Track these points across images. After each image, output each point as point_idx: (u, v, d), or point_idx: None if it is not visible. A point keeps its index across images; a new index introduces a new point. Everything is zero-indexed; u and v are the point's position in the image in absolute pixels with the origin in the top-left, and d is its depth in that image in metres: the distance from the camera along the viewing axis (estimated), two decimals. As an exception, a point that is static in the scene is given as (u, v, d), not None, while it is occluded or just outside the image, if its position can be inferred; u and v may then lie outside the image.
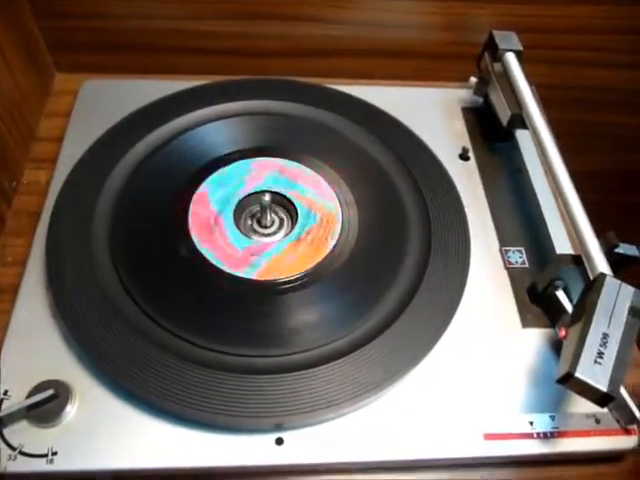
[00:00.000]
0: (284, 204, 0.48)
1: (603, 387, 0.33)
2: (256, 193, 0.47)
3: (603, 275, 0.37)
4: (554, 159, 0.45)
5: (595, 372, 0.33)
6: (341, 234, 0.45)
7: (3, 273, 0.45)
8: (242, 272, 0.43)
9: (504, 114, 0.50)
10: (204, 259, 0.43)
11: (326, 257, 0.44)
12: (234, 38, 0.58)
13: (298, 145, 0.50)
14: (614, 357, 0.34)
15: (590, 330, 0.35)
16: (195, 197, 0.46)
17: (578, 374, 0.33)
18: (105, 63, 0.58)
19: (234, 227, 0.45)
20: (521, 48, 0.51)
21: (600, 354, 0.34)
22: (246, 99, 0.52)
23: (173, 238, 0.44)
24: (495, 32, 0.52)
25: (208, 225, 0.45)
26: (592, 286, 0.37)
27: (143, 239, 0.44)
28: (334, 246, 0.45)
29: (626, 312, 0.36)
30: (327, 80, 0.56)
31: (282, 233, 0.47)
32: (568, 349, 0.35)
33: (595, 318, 0.35)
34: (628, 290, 0.37)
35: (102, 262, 0.42)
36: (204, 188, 0.47)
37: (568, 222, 0.42)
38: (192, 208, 0.46)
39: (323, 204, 0.47)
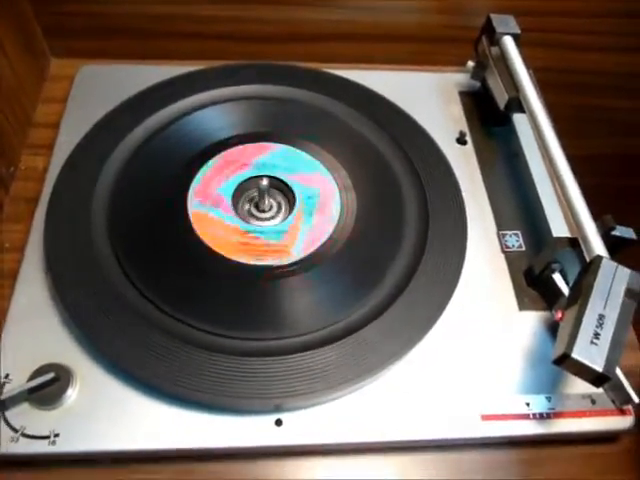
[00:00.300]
0: (282, 189, 0.48)
1: (599, 367, 0.33)
2: (255, 177, 0.47)
3: (600, 257, 0.38)
4: (551, 142, 0.45)
5: (591, 352, 0.33)
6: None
7: (1, 259, 0.45)
8: (194, 200, 0.44)
9: (501, 98, 0.50)
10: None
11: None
12: (231, 22, 0.58)
13: (296, 130, 0.50)
14: (610, 338, 0.34)
15: (586, 311, 0.35)
16: (255, 145, 0.48)
17: (574, 354, 0.33)
18: (101, 48, 0.58)
19: (237, 182, 0.46)
20: (519, 31, 0.51)
21: (596, 335, 0.34)
22: (244, 84, 0.52)
23: (171, 221, 0.44)
24: (493, 15, 0.52)
25: (230, 164, 0.47)
26: (588, 268, 0.37)
27: (142, 223, 0.44)
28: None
29: (622, 294, 0.36)
30: (325, 65, 0.56)
31: (279, 218, 0.47)
32: (564, 330, 0.35)
33: (591, 300, 0.35)
34: (624, 272, 0.37)
35: (101, 246, 0.42)
36: (272, 145, 0.49)
37: (565, 205, 0.42)
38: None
39: (295, 241, 0.45)
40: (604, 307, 0.35)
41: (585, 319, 0.35)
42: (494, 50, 0.52)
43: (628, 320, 0.35)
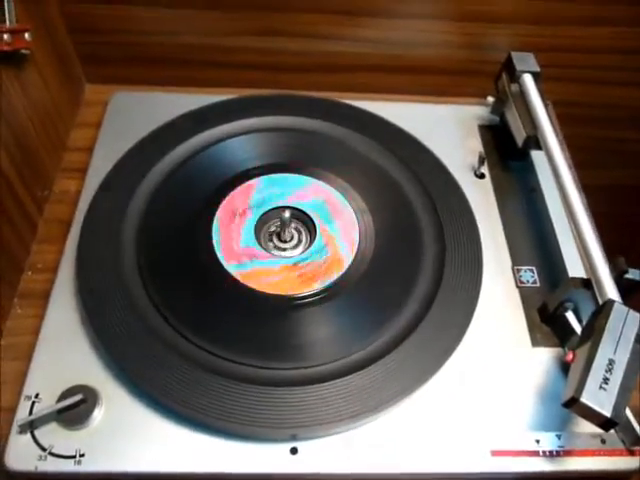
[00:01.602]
0: (308, 225, 0.50)
1: (607, 412, 0.34)
2: (282, 207, 0.49)
3: (612, 301, 0.38)
4: (567, 182, 0.46)
5: (600, 397, 0.34)
6: (359, 246, 0.47)
7: (34, 279, 0.47)
8: (229, 264, 0.45)
9: (519, 135, 0.51)
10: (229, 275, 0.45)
11: (342, 274, 0.45)
12: (257, 53, 0.60)
13: (313, 161, 0.52)
14: (619, 383, 0.35)
15: (597, 355, 0.36)
16: (239, 189, 0.49)
17: (583, 399, 0.34)
18: (133, 75, 0.60)
19: (253, 227, 0.47)
20: (538, 69, 0.52)
21: (606, 380, 0.35)
22: (272, 115, 0.54)
23: (198, 250, 0.46)
24: (513, 53, 0.53)
25: (234, 212, 0.48)
26: (600, 311, 0.38)
27: (170, 250, 0.46)
28: (327, 285, 0.45)
29: (633, 339, 0.36)
30: (345, 95, 0.58)
31: (299, 250, 0.48)
32: (575, 373, 0.36)
33: (602, 344, 0.36)
34: (635, 317, 0.38)
35: (130, 272, 0.44)
36: (255, 182, 0.50)
37: (580, 246, 0.43)
38: (227, 201, 0.49)
39: (339, 247, 0.47)
40: (614, 352, 0.36)
41: (595, 363, 0.35)
42: (514, 87, 0.54)
43: (637, 366, 0.36)
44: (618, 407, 0.34)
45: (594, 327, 0.37)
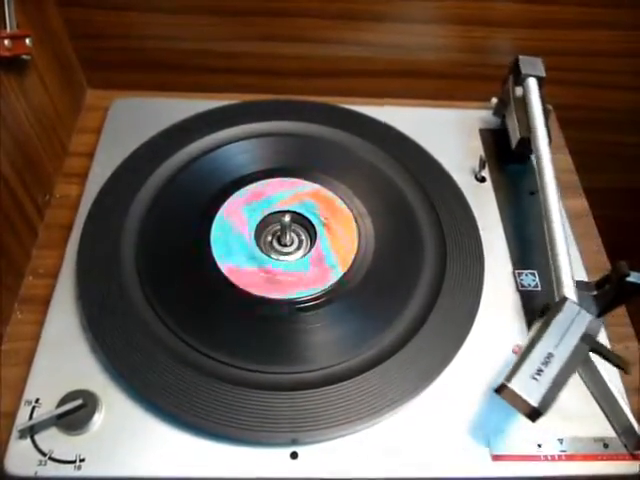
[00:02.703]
0: (307, 228, 0.50)
1: (534, 402, 0.34)
2: (280, 212, 0.49)
3: (565, 299, 0.39)
4: (549, 185, 0.46)
5: (529, 387, 0.34)
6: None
7: (35, 284, 0.47)
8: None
9: (514, 137, 0.52)
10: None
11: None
12: (258, 58, 0.60)
13: (314, 166, 0.52)
14: (553, 377, 0.35)
15: (536, 347, 0.36)
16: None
17: (512, 386, 0.34)
18: (134, 81, 0.61)
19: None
20: (543, 74, 0.52)
21: (539, 371, 0.35)
22: (271, 120, 0.54)
23: (197, 255, 0.46)
24: (521, 57, 0.53)
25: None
26: (553, 308, 0.39)
27: (169, 256, 0.46)
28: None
29: (578, 337, 0.37)
30: (346, 100, 0.58)
31: (300, 253, 0.48)
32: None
33: (545, 337, 0.36)
34: (585, 317, 0.38)
35: (130, 277, 0.44)
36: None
37: (549, 246, 0.44)
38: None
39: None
40: (556, 346, 0.36)
41: (533, 354, 0.35)
42: (518, 90, 0.53)
43: (577, 364, 0.36)
44: (547, 399, 0.34)
45: (542, 322, 0.38)
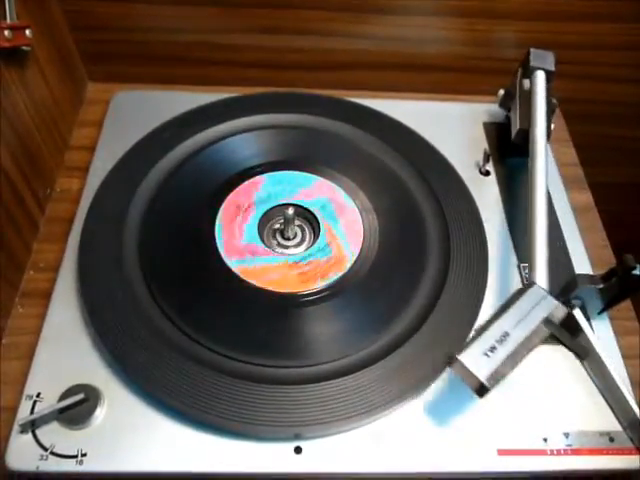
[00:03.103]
0: (312, 223, 0.49)
1: (482, 377, 0.34)
2: (286, 205, 0.48)
3: (533, 283, 0.39)
4: (539, 174, 0.45)
5: (480, 362, 0.34)
6: (362, 245, 0.47)
7: (36, 278, 0.47)
8: (230, 260, 0.44)
9: (514, 127, 0.51)
10: (230, 271, 0.44)
11: (346, 272, 0.45)
12: (260, 51, 0.60)
13: (316, 158, 0.52)
14: (505, 355, 0.35)
15: (494, 325, 0.36)
16: (244, 185, 0.49)
17: (462, 359, 0.34)
18: (136, 74, 0.60)
19: (256, 223, 0.47)
20: (553, 69, 0.51)
21: (493, 348, 0.35)
22: (274, 112, 0.54)
23: (200, 248, 0.45)
24: (533, 50, 0.52)
25: (238, 207, 0.47)
26: (519, 290, 0.39)
27: (172, 249, 0.45)
28: (332, 283, 0.45)
29: (539, 321, 0.37)
30: (351, 93, 0.58)
31: (302, 248, 0.48)
32: None
33: (505, 316, 0.36)
34: (550, 303, 0.38)
35: (132, 271, 0.43)
36: (260, 179, 0.50)
37: (529, 234, 0.43)
38: (231, 197, 0.48)
39: (343, 246, 0.47)
40: (514, 327, 0.36)
41: (489, 331, 0.36)
42: (526, 83, 0.53)
43: (533, 346, 0.36)
44: (495, 376, 0.34)
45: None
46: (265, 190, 0.49)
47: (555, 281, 0.46)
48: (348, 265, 0.45)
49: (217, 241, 0.46)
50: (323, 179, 0.50)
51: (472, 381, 0.35)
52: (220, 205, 0.48)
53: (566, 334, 0.37)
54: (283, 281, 0.44)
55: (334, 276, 0.45)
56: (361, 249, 0.46)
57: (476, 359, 0.35)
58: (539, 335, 0.36)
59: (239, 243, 0.46)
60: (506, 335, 0.36)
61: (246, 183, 0.49)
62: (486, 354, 0.35)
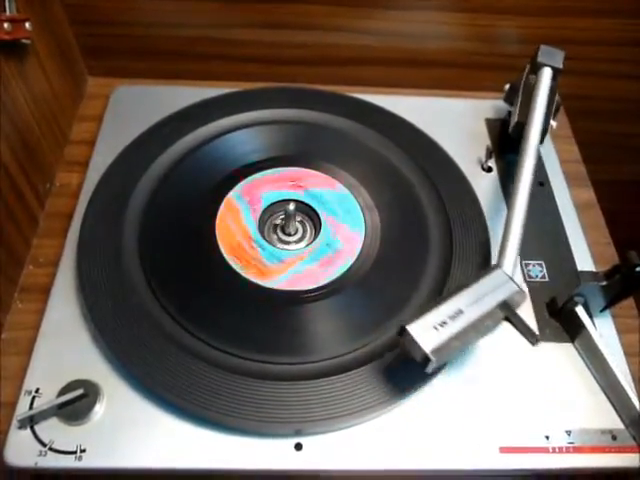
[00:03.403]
0: (312, 217, 0.49)
1: (426, 348, 0.34)
2: (286, 200, 0.48)
3: (496, 266, 0.39)
4: (526, 167, 0.45)
5: (427, 334, 0.35)
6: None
7: (35, 273, 0.47)
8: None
9: (513, 122, 0.51)
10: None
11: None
12: (262, 46, 0.59)
13: (317, 153, 0.51)
14: (455, 331, 0.35)
15: (449, 301, 0.36)
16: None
17: (410, 329, 0.35)
18: (136, 68, 0.60)
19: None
20: (560, 66, 0.50)
21: (443, 323, 0.35)
22: (276, 107, 0.53)
23: (200, 243, 0.45)
24: (543, 46, 0.52)
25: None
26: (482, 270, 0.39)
27: (172, 244, 0.45)
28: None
29: (495, 303, 0.37)
30: (353, 89, 0.57)
31: (303, 243, 0.48)
32: None
33: (462, 294, 0.37)
34: (512, 287, 0.38)
35: (131, 266, 0.43)
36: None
37: (506, 227, 0.43)
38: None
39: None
40: (469, 306, 0.36)
41: (442, 307, 0.36)
42: (532, 78, 0.52)
43: (486, 328, 0.36)
44: (440, 350, 0.34)
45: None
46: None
47: (557, 278, 0.46)
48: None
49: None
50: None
51: (418, 352, 0.35)
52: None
53: (520, 320, 0.37)
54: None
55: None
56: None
57: (424, 331, 0.35)
58: (493, 318, 0.36)
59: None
60: (459, 312, 0.36)
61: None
62: (435, 327, 0.35)
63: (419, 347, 0.34)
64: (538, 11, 0.58)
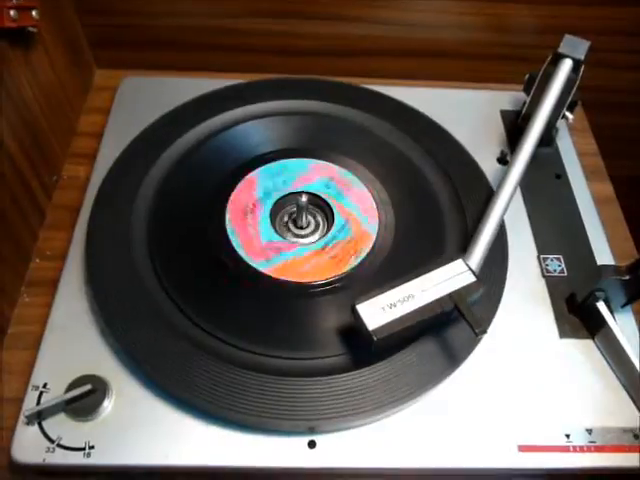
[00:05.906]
0: (323, 208, 0.48)
1: (370, 326, 0.35)
2: (296, 193, 0.47)
3: (458, 257, 0.39)
4: (520, 159, 0.45)
5: (375, 314, 0.36)
6: (377, 234, 0.45)
7: (42, 267, 0.46)
8: (256, 263, 0.43)
9: (522, 112, 0.50)
10: (241, 259, 0.43)
11: (362, 260, 0.44)
12: (272, 36, 0.58)
13: (330, 145, 0.50)
14: (402, 314, 0.36)
15: (402, 285, 0.37)
16: (242, 183, 0.47)
17: (358, 307, 0.36)
18: (143, 60, 0.59)
19: (268, 219, 0.46)
20: (581, 57, 0.48)
21: (392, 305, 0.36)
22: (287, 99, 0.52)
23: (210, 235, 0.44)
24: (567, 36, 0.50)
25: (244, 210, 0.46)
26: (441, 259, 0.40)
27: (181, 236, 0.44)
28: (359, 263, 0.44)
29: (447, 292, 0.37)
30: (367, 80, 0.56)
31: (317, 236, 0.47)
32: None
33: (416, 280, 0.38)
34: (468, 278, 0.38)
35: (140, 259, 0.42)
36: (254, 174, 0.48)
37: (482, 219, 0.43)
38: (233, 197, 0.46)
39: (361, 221, 0.46)
40: (422, 291, 0.37)
41: (395, 290, 0.37)
42: (550, 69, 0.51)
43: (431, 314, 0.37)
44: (384, 329, 0.35)
45: None
46: (276, 178, 0.48)
47: (576, 273, 0.45)
48: (372, 240, 0.45)
49: (227, 230, 0.44)
50: (337, 167, 0.49)
51: (363, 330, 0.36)
52: (229, 195, 0.46)
53: (469, 311, 0.36)
54: (315, 269, 0.43)
55: (363, 253, 0.44)
56: (376, 238, 0.45)
57: (371, 310, 0.36)
58: (442, 304, 0.37)
59: (259, 243, 0.44)
60: (410, 297, 0.37)
61: (257, 170, 0.48)
62: (384, 309, 0.36)
63: (364, 325, 0.35)
64: (554, 0, 0.56)
